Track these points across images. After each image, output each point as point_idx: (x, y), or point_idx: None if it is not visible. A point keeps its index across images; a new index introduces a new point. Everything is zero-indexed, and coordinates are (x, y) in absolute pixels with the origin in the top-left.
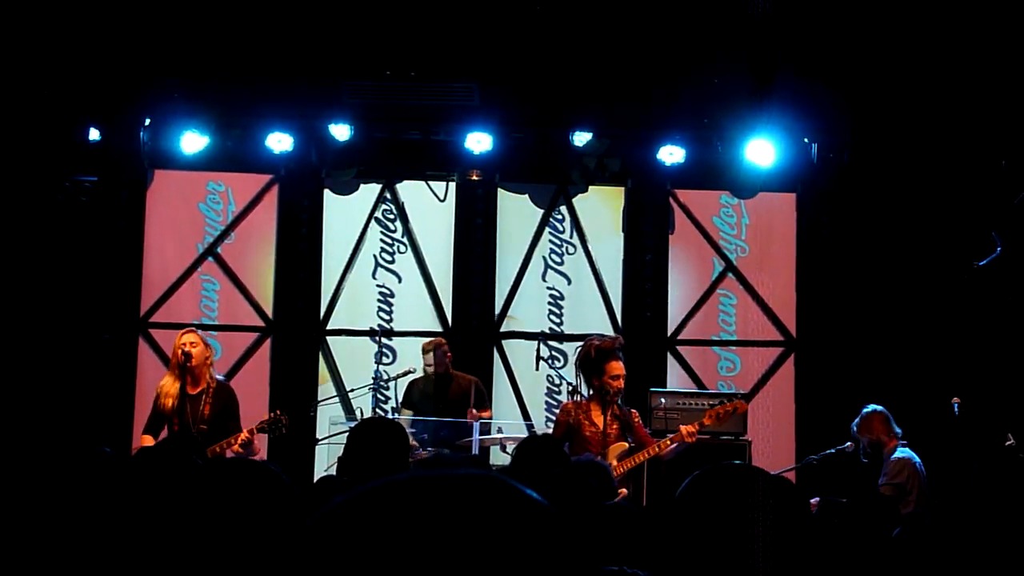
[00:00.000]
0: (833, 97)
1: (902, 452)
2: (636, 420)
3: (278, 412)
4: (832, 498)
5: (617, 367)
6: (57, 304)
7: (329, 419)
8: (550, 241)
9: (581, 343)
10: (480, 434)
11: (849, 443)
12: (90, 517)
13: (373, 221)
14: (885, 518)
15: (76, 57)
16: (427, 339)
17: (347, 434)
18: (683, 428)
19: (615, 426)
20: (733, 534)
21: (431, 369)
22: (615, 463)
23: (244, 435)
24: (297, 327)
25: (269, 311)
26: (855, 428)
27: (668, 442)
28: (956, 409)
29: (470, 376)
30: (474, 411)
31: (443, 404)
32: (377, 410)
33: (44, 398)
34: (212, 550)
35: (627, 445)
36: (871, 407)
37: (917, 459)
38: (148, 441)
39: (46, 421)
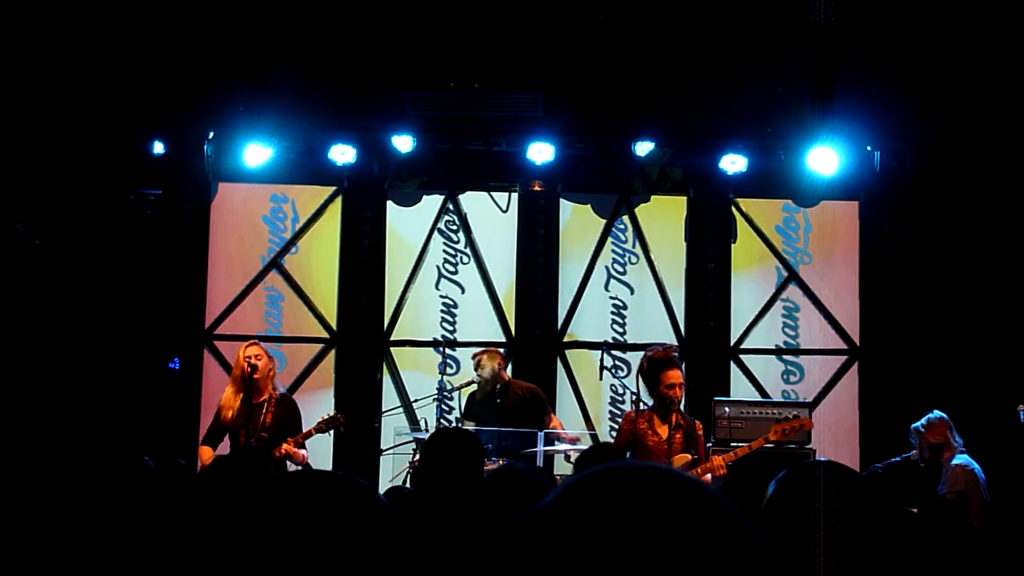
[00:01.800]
0: (896, 104)
1: (960, 459)
2: (699, 433)
3: (334, 412)
4: (898, 507)
5: (672, 376)
6: (123, 317)
7: (394, 430)
8: (612, 251)
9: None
10: (544, 444)
11: (914, 451)
12: (165, 527)
13: (436, 232)
14: (955, 525)
15: (140, 71)
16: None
17: (422, 444)
18: (715, 459)
19: (679, 436)
20: (824, 532)
21: (481, 375)
22: None
23: (286, 446)
24: (361, 338)
25: (333, 322)
26: (921, 428)
27: (702, 470)
28: (1022, 417)
29: (528, 384)
30: (557, 420)
31: (502, 413)
32: (441, 420)
33: (111, 410)
34: (300, 561)
35: (690, 457)
36: (937, 413)
37: (977, 466)
38: (207, 452)
39: (113, 433)
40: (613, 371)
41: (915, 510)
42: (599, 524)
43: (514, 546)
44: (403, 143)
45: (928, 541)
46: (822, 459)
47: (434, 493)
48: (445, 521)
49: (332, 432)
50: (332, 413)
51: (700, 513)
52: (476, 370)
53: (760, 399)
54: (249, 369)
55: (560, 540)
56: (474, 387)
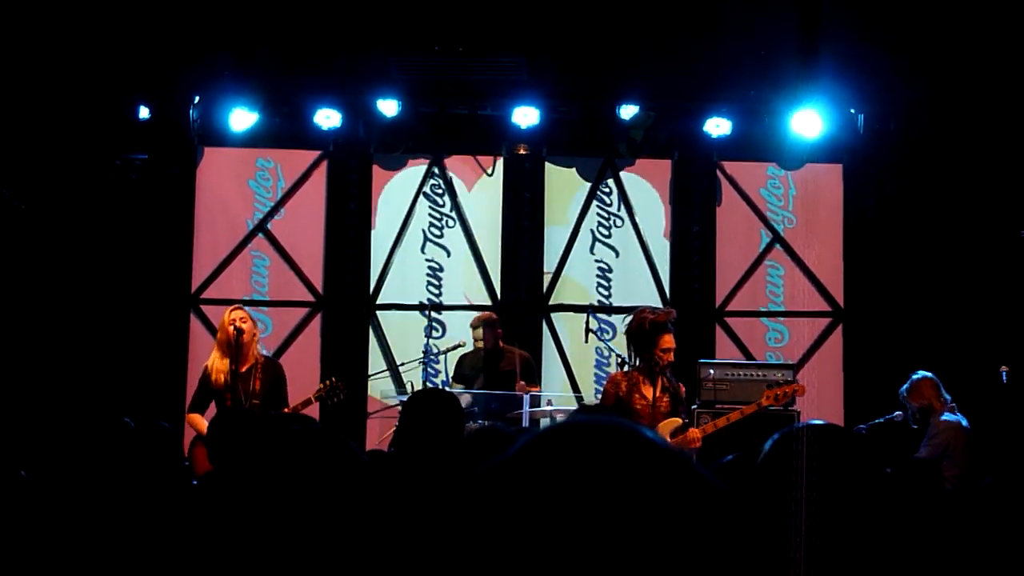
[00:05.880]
0: (879, 67)
1: (948, 416)
2: (682, 396)
3: (334, 380)
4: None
5: (669, 340)
6: (108, 282)
7: (380, 393)
8: (598, 214)
9: (630, 315)
10: (530, 407)
11: (898, 412)
12: (154, 489)
13: (421, 196)
14: (925, 483)
15: (126, 35)
16: (476, 314)
17: (402, 406)
18: (691, 431)
19: (665, 399)
20: (815, 494)
21: (480, 344)
22: (669, 439)
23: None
24: (347, 302)
25: (319, 286)
26: (904, 394)
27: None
28: (1004, 377)
29: (520, 351)
30: (523, 383)
31: (493, 378)
32: (428, 384)
33: (96, 375)
34: (291, 516)
35: (680, 421)
36: (920, 373)
37: (964, 422)
38: (197, 419)
39: (99, 397)
40: (598, 334)
41: (888, 470)
42: (558, 473)
43: (481, 490)
44: (388, 107)
45: (899, 501)
46: (817, 422)
47: (414, 453)
48: (425, 479)
49: (335, 399)
50: (333, 380)
51: (651, 466)
52: (482, 335)
53: (745, 361)
54: (235, 333)
55: (523, 487)
56: (461, 350)
